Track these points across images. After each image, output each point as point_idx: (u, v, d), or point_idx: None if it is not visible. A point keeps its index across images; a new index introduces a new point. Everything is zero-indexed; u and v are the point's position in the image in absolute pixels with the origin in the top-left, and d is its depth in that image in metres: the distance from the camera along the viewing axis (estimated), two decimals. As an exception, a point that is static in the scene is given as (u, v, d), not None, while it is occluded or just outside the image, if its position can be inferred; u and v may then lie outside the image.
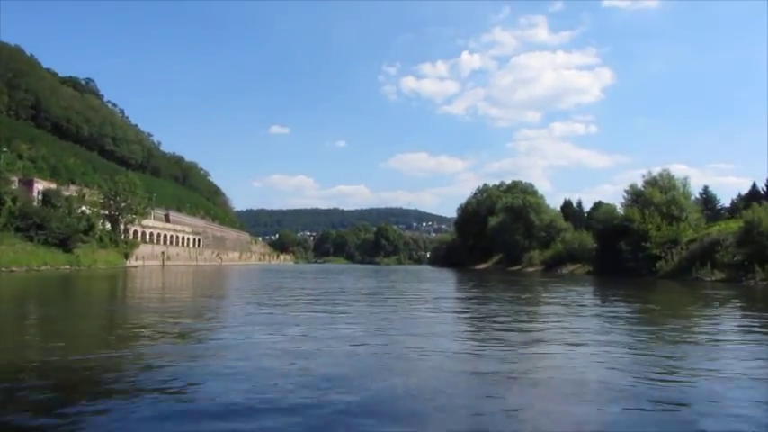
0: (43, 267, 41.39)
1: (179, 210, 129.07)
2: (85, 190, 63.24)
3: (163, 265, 75.16)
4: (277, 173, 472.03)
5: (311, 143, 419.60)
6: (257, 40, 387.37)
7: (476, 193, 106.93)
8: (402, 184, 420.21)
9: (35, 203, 54.02)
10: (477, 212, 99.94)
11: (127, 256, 64.31)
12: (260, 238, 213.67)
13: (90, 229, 57.45)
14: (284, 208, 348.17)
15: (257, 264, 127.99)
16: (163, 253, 78.48)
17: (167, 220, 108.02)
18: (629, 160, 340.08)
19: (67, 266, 44.54)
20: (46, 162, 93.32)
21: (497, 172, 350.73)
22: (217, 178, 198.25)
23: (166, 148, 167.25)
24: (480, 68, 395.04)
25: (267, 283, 33.90)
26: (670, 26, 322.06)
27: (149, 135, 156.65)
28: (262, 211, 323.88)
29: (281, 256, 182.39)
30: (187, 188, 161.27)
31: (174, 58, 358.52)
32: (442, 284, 35.52)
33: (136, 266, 61.90)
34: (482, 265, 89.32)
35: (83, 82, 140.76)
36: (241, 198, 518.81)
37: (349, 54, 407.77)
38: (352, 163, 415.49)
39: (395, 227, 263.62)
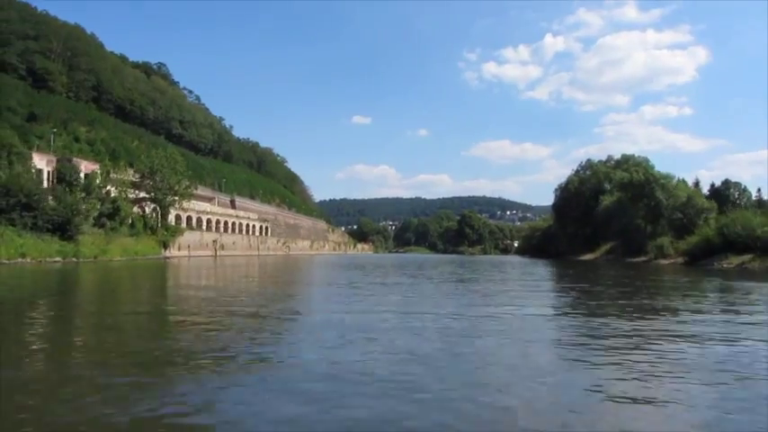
0: (19, 260, 31.80)
1: (252, 196, 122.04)
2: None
3: (215, 255, 65.94)
4: (359, 163, 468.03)
5: (393, 132, 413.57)
6: (339, 32, 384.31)
7: (578, 170, 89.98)
8: (485, 173, 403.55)
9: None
10: (579, 193, 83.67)
11: (165, 245, 55.16)
12: (342, 228, 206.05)
13: (116, 212, 48.62)
14: (366, 197, 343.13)
15: (329, 254, 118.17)
16: (215, 242, 69.12)
17: (233, 206, 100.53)
18: (726, 144, 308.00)
19: (59, 259, 34.85)
20: (105, 145, 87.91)
21: (584, 158, 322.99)
22: (300, 169, 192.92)
23: (246, 137, 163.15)
24: (564, 51, 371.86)
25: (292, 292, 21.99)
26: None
27: (221, 119, 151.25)
28: (344, 201, 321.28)
29: (359, 246, 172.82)
30: (262, 174, 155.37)
31: (258, 50, 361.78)
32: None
33: (172, 257, 52.49)
34: (588, 256, 73.33)
35: (154, 66, 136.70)
36: (324, 189, 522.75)
37: (429, 41, 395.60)
38: (434, 151, 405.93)
39: (479, 215, 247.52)
